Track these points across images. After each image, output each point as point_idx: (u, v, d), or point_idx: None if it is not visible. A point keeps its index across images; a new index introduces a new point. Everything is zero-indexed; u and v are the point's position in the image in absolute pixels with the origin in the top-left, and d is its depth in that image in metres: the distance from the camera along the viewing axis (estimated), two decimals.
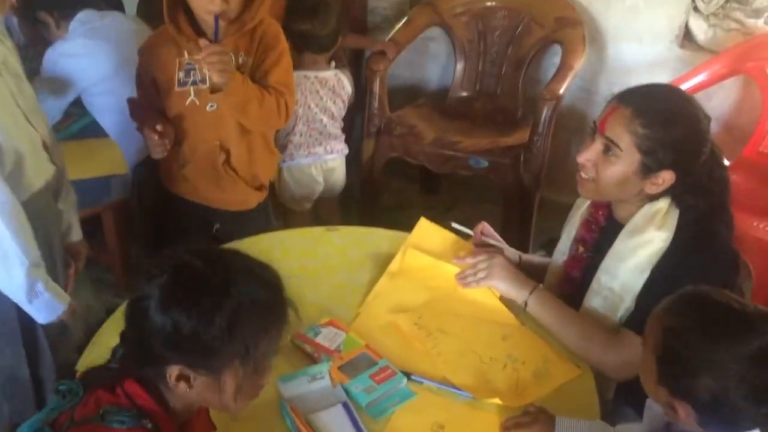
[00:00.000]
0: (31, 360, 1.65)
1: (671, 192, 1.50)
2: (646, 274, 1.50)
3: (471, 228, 1.85)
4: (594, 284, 1.57)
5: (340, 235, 1.92)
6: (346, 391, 1.41)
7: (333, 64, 2.50)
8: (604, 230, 1.64)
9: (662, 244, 1.48)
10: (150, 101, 1.96)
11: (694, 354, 1.09)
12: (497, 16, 3.09)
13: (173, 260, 1.04)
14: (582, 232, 1.68)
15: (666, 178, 1.47)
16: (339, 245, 1.88)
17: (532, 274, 1.72)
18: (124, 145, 2.38)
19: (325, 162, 2.57)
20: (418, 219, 1.87)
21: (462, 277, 1.71)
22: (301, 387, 1.40)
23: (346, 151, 2.65)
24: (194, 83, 1.89)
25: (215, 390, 1.06)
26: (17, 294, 1.49)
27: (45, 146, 1.57)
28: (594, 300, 1.57)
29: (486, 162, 2.75)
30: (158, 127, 1.88)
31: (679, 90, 1.64)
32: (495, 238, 1.84)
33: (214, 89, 1.81)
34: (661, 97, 1.52)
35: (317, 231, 1.96)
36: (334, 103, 2.49)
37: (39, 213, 1.55)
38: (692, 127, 1.47)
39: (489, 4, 3.09)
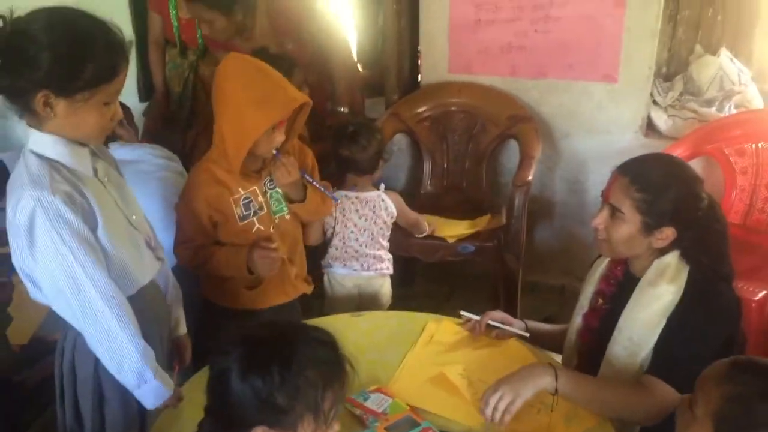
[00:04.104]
0: None
1: (677, 246, 1.65)
2: (662, 324, 1.62)
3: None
4: (615, 334, 1.69)
5: (365, 320, 2.02)
6: None
7: (382, 186, 2.51)
8: (622, 284, 1.78)
9: (672, 297, 1.62)
10: (207, 237, 2.01)
11: (756, 420, 1.16)
12: (455, 119, 3.29)
13: (243, 335, 1.18)
14: (602, 286, 1.82)
15: (668, 233, 1.63)
16: (365, 329, 1.95)
17: (539, 339, 1.90)
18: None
19: (361, 276, 2.53)
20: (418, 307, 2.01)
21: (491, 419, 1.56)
22: None
23: (389, 272, 2.59)
24: (255, 213, 2.00)
25: None
26: (127, 380, 1.55)
27: (148, 245, 1.67)
28: (615, 348, 1.69)
29: (473, 247, 2.88)
30: (273, 245, 1.96)
31: (672, 157, 1.85)
32: (501, 320, 1.89)
33: (292, 200, 2.06)
34: (654, 164, 1.71)
35: (344, 317, 2.04)
36: (375, 223, 2.47)
37: (148, 305, 1.64)
38: (683, 187, 1.64)
39: (450, 109, 3.28)
